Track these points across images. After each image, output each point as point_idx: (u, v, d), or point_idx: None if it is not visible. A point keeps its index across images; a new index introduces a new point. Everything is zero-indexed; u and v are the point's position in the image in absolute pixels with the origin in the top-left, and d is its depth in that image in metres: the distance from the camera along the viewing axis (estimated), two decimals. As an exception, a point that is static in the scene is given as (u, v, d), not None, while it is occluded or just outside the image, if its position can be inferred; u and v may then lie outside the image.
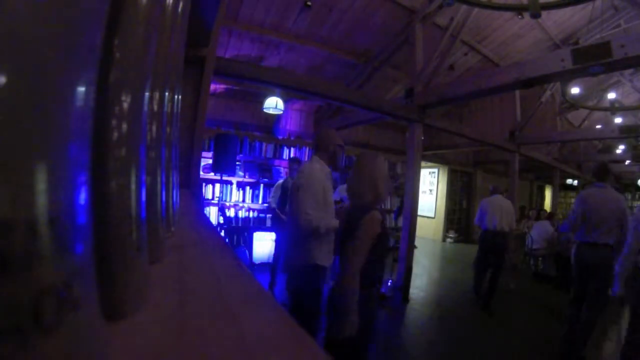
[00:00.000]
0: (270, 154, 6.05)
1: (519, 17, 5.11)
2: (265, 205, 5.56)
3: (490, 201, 4.21)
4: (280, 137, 6.43)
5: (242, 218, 5.80)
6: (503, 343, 3.16)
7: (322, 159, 2.07)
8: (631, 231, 2.48)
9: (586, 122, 9.43)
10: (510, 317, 3.90)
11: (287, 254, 2.09)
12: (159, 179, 0.44)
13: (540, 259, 5.92)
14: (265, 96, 5.47)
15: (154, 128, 0.38)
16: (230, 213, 5.68)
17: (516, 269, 5.59)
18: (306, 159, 5.73)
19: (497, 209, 4.07)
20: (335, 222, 1.96)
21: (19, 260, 0.14)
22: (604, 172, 2.88)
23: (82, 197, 0.19)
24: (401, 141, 7.86)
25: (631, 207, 12.53)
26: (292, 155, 5.98)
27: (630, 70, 6.96)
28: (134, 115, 0.28)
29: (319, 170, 2.01)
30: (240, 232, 5.67)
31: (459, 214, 10.33)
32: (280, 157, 6.08)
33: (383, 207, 7.44)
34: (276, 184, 4.27)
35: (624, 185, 12.37)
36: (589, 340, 2.73)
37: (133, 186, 0.30)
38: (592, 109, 7.26)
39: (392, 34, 5.24)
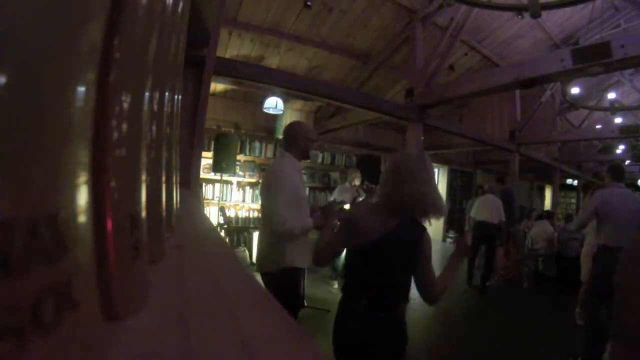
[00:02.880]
0: (270, 154, 6.04)
1: (519, 17, 5.10)
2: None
3: (482, 198, 5.17)
4: (280, 137, 6.42)
5: (242, 218, 5.80)
6: (503, 343, 3.16)
7: (293, 154, 1.96)
8: None
9: (586, 122, 9.42)
10: (510, 317, 3.90)
11: (263, 257, 1.97)
12: (159, 179, 0.44)
13: (540, 259, 5.91)
14: (265, 96, 5.47)
15: (154, 128, 0.38)
16: (230, 213, 5.68)
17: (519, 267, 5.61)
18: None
19: (486, 204, 4.96)
20: (309, 223, 1.82)
21: (19, 260, 0.14)
22: (618, 172, 2.93)
23: (82, 197, 0.19)
24: (401, 141, 7.85)
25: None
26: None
27: (630, 70, 6.95)
28: (134, 115, 0.28)
29: (289, 166, 1.90)
30: (240, 232, 5.67)
31: (458, 214, 10.30)
32: (280, 157, 6.07)
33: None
34: None
35: (624, 185, 12.31)
36: None
37: (133, 186, 0.30)
38: (592, 109, 7.26)
39: (392, 34, 5.24)
